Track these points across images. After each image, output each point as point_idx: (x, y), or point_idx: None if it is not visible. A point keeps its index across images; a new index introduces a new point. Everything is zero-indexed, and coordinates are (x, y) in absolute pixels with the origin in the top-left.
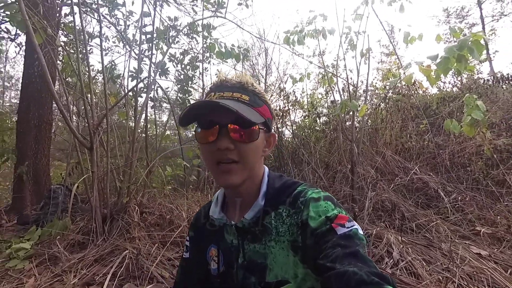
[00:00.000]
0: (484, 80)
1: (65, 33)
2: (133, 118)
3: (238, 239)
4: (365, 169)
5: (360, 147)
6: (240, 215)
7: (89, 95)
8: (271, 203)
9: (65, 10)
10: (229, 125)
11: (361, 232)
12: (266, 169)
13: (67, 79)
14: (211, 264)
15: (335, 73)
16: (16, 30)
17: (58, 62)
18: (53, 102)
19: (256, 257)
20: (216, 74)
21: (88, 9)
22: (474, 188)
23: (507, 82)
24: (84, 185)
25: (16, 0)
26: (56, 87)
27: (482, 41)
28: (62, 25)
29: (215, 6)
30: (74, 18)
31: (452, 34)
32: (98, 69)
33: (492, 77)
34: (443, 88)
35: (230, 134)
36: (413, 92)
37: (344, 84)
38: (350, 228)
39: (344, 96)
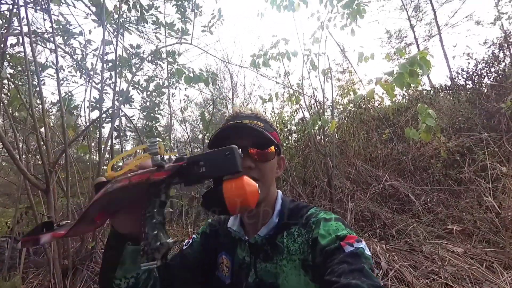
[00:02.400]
0: (427, 91)
1: (11, 64)
2: (94, 150)
3: (251, 257)
4: (341, 181)
5: (334, 160)
6: (253, 233)
7: (42, 130)
8: (284, 223)
9: (12, 40)
10: (249, 148)
11: (367, 252)
12: (280, 192)
13: (14, 114)
14: (221, 271)
15: (302, 92)
16: None
17: (3, 95)
18: None
19: (267, 277)
20: (233, 108)
21: (40, 39)
22: (437, 188)
23: (445, 91)
24: None
25: None
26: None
27: (428, 57)
28: (8, 56)
29: (179, 33)
30: (24, 47)
31: (399, 53)
32: (51, 101)
33: (432, 88)
34: (395, 100)
35: (251, 155)
36: (371, 105)
37: (310, 102)
38: (358, 247)
39: (311, 113)
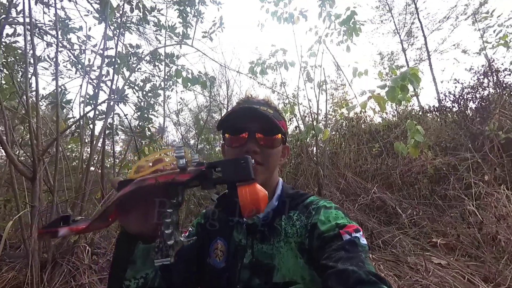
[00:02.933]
0: (416, 111)
1: (5, 54)
2: (85, 144)
3: (247, 239)
4: (331, 191)
5: (325, 170)
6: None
7: (34, 120)
8: (283, 207)
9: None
10: (256, 133)
11: (364, 241)
12: (281, 179)
13: (4, 103)
14: (213, 257)
15: (296, 102)
16: None
17: None
18: None
19: (264, 257)
20: (246, 91)
21: (38, 31)
22: (423, 203)
23: (433, 112)
24: (18, 225)
25: None
26: None
27: (419, 74)
28: (3, 45)
29: (180, 36)
30: (25, 37)
31: (391, 71)
32: (42, 94)
33: (421, 108)
34: (385, 118)
35: (257, 140)
36: (362, 120)
37: (305, 112)
38: (355, 236)
39: (305, 123)
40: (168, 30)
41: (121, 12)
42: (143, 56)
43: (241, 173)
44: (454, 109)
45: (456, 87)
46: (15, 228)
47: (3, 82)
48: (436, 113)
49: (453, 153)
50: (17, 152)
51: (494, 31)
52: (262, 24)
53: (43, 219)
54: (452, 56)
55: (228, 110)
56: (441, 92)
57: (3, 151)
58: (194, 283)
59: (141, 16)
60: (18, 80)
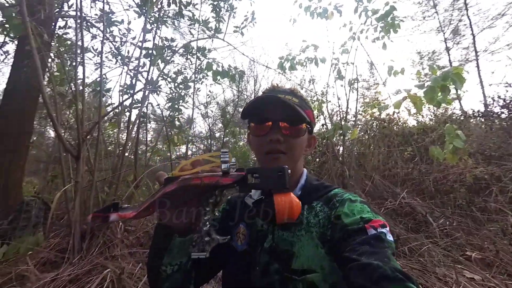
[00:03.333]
0: (456, 115)
1: (57, 44)
2: (121, 131)
3: (269, 225)
4: (356, 192)
5: (351, 170)
6: None
7: (80, 103)
8: (307, 197)
9: (59, 23)
10: (280, 122)
11: (390, 237)
12: (305, 170)
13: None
14: (235, 240)
15: (325, 100)
16: (4, 38)
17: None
18: (36, 111)
19: (283, 244)
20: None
21: (86, 24)
22: (459, 213)
23: (477, 117)
24: (63, 198)
25: (17, 3)
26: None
27: (463, 74)
28: (56, 36)
29: (212, 31)
30: (76, 28)
31: (431, 71)
32: (87, 82)
33: (463, 113)
34: (421, 121)
35: (281, 129)
36: (395, 122)
37: (333, 110)
38: (381, 231)
39: (333, 121)
40: (201, 24)
41: (159, 6)
42: (176, 49)
43: (277, 182)
44: (503, 115)
45: (507, 91)
46: (59, 201)
47: (55, 69)
48: (481, 118)
49: (498, 162)
50: (63, 134)
51: None
52: (294, 19)
53: (85, 194)
54: (504, 57)
55: (252, 99)
56: (489, 96)
57: (51, 132)
58: (218, 267)
59: (177, 10)
60: (67, 68)
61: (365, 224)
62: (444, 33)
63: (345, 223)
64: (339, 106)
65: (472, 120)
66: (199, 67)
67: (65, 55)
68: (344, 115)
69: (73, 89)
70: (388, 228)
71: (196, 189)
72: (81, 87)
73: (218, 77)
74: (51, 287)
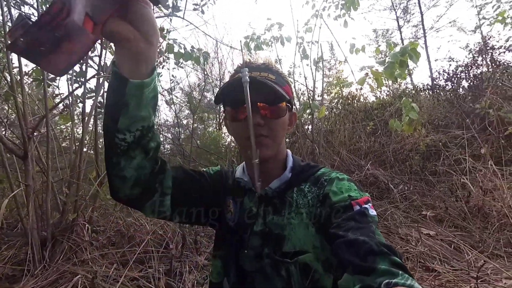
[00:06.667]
0: (409, 89)
1: None
2: (76, 123)
3: (258, 208)
4: None
5: (320, 147)
6: (263, 186)
7: (19, 95)
8: (295, 179)
9: None
10: (258, 103)
11: (373, 212)
12: (289, 151)
13: None
14: (226, 213)
15: (292, 80)
16: None
17: None
18: None
19: (274, 228)
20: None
21: (15, 1)
22: (414, 178)
23: (426, 91)
24: (13, 205)
25: None
26: None
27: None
28: None
29: (169, 8)
30: (2, 8)
31: (388, 47)
32: (25, 71)
33: (414, 87)
34: (379, 96)
35: (260, 111)
36: (357, 99)
37: (301, 90)
38: (365, 207)
39: (300, 101)
40: None
41: None
42: None
43: None
44: (447, 88)
45: (450, 65)
46: (9, 208)
47: None
48: (429, 91)
49: (445, 130)
50: (4, 132)
51: (492, 7)
52: None
53: (39, 197)
54: (447, 34)
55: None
56: (435, 71)
57: None
58: (201, 203)
59: None
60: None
61: (352, 201)
62: (396, 12)
63: (333, 200)
64: (306, 85)
65: (422, 93)
66: (158, 49)
67: None
68: (312, 94)
69: (8, 79)
70: (370, 204)
71: None
72: (18, 77)
73: (181, 60)
74: None
